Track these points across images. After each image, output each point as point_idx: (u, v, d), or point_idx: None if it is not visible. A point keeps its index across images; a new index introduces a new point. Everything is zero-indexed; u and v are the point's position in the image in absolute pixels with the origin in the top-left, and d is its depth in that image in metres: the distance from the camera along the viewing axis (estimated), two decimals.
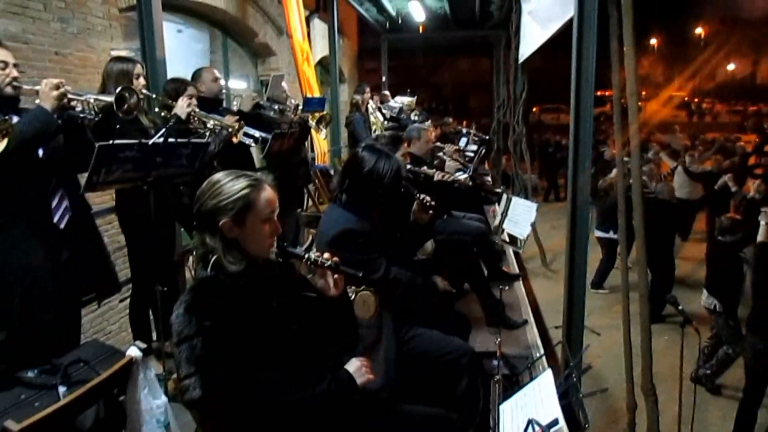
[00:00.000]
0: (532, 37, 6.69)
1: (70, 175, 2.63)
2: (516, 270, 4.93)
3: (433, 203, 2.67)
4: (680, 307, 2.77)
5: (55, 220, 2.43)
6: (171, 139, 2.27)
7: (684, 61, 35.45)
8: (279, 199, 1.66)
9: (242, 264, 1.57)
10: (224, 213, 1.56)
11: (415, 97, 9.08)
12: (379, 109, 7.21)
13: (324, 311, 1.67)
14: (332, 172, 7.54)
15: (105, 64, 4.37)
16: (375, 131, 6.82)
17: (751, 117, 27.87)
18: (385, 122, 7.14)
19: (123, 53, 4.86)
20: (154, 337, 3.54)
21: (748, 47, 35.89)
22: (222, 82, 3.93)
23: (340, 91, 9.87)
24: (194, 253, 1.62)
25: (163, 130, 2.30)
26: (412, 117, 8.08)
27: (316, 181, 6.01)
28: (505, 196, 3.26)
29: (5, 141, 2.05)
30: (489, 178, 11.25)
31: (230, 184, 1.59)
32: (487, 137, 11.33)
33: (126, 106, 2.31)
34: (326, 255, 1.66)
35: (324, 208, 5.94)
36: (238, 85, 7.85)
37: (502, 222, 2.93)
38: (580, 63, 3.53)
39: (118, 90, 2.31)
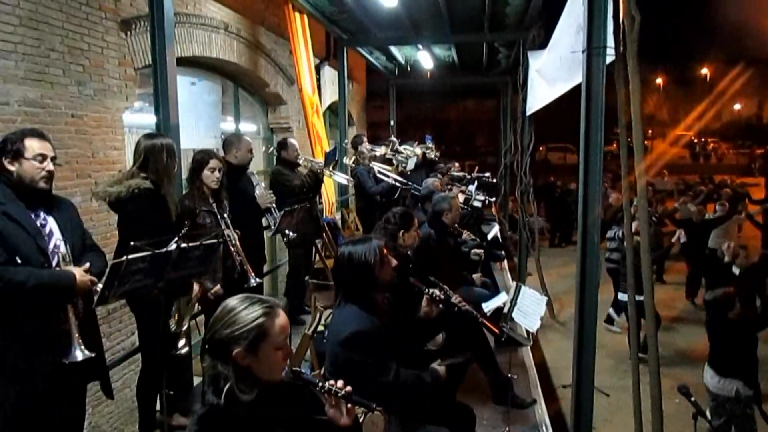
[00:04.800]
0: (540, 92, 6.75)
1: None
2: (524, 332, 4.88)
3: (441, 297, 2.64)
4: (693, 399, 2.71)
5: None
6: (183, 245, 2.28)
7: (689, 101, 35.72)
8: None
9: (254, 392, 1.55)
10: (238, 343, 1.55)
11: (430, 143, 9.24)
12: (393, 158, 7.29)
13: None
14: (339, 223, 7.57)
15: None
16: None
17: (758, 159, 27.82)
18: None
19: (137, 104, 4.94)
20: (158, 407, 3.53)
21: (753, 88, 36.17)
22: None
23: (349, 134, 9.98)
24: (204, 373, 1.61)
25: (176, 237, 2.31)
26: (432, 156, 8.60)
27: (324, 235, 6.01)
28: (514, 284, 3.21)
29: None
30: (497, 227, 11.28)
31: (244, 312, 1.58)
32: (494, 181, 11.37)
33: None
34: (339, 383, 1.64)
35: (331, 263, 5.96)
36: (249, 128, 7.92)
37: (511, 311, 2.88)
38: (589, 125, 3.49)
39: None
